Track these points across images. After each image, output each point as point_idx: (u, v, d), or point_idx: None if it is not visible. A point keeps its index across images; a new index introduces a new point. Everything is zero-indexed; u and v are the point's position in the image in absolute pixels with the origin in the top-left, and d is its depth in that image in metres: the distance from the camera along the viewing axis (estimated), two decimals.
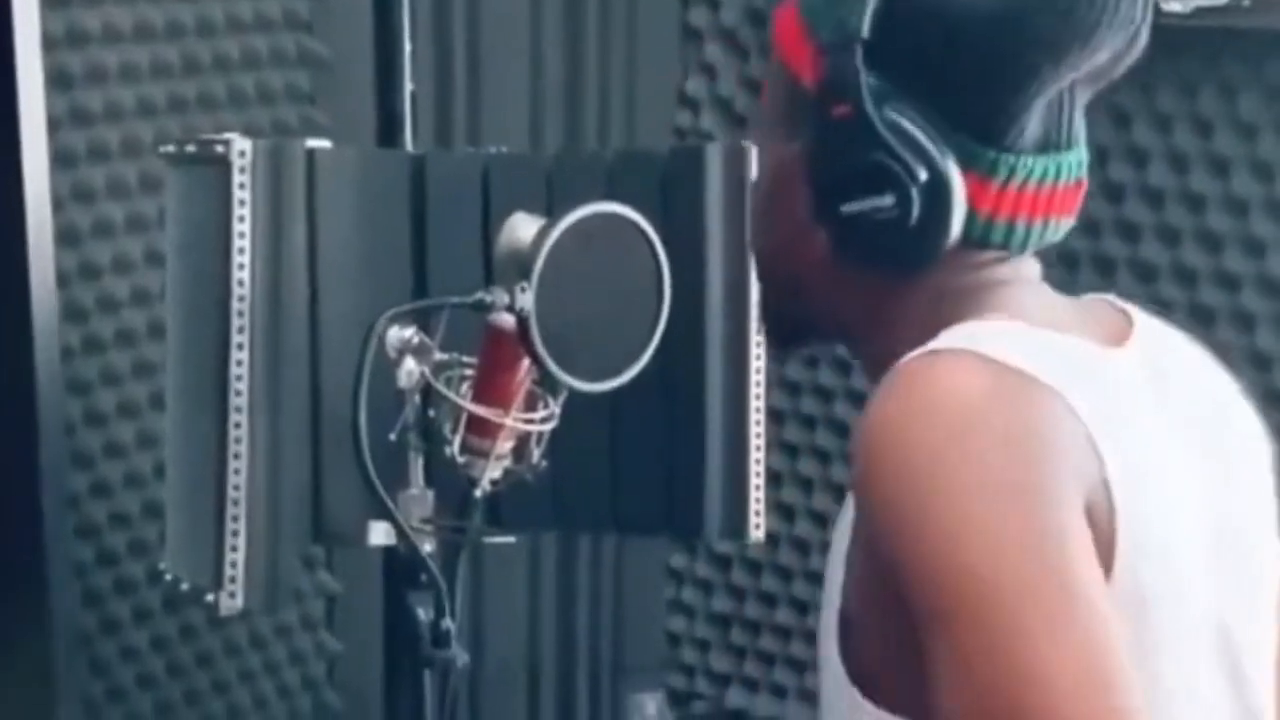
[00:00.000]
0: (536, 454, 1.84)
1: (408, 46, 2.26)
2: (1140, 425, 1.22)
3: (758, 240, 1.40)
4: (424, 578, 1.81)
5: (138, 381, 2.39)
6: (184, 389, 1.94)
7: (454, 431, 1.78)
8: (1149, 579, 1.17)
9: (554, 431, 1.83)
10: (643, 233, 1.75)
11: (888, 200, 1.22)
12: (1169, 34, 2.46)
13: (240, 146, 1.81)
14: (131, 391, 2.39)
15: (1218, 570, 1.26)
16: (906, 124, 1.22)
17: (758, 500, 2.12)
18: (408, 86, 2.26)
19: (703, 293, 2.08)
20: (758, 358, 2.10)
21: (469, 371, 1.82)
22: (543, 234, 1.68)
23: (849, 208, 1.24)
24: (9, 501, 2.21)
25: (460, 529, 1.84)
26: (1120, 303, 1.36)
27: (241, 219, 1.81)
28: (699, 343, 2.09)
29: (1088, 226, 2.48)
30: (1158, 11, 2.37)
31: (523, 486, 1.85)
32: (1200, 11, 2.35)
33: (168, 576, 1.95)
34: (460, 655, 1.82)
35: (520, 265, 1.68)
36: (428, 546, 1.83)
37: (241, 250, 1.82)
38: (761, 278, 1.41)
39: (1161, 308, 2.49)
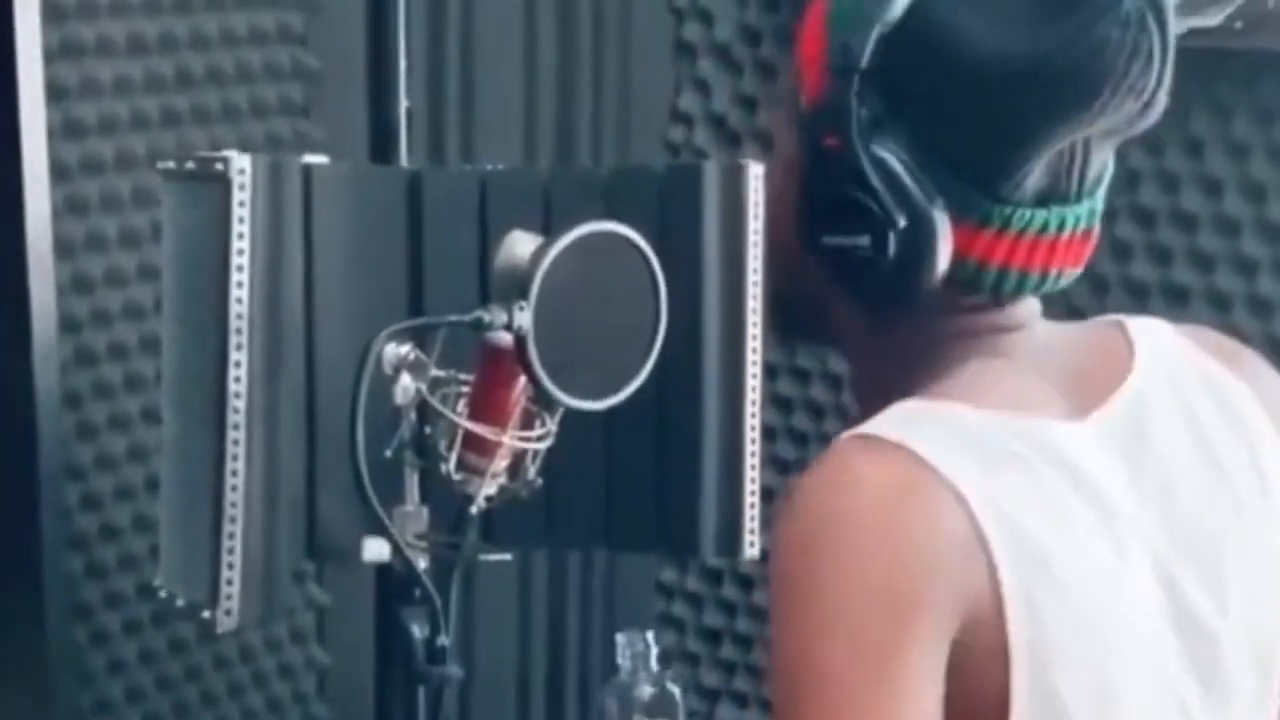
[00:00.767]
0: (532, 471, 1.84)
1: (403, 62, 2.26)
2: (1070, 512, 1.20)
3: (766, 236, 1.40)
4: (418, 594, 1.81)
5: (130, 394, 2.39)
6: (180, 404, 1.94)
7: (450, 449, 1.78)
8: (1062, 685, 1.16)
9: (549, 449, 1.83)
10: (640, 251, 1.75)
11: (864, 240, 1.21)
12: None
13: (240, 164, 1.81)
14: (124, 404, 2.38)
15: (1181, 652, 1.24)
16: (894, 163, 1.19)
17: (752, 518, 2.12)
18: (403, 102, 2.27)
19: (699, 311, 2.08)
20: (754, 375, 2.10)
21: (465, 389, 1.82)
22: (541, 252, 1.68)
23: (828, 240, 1.23)
24: (6, 514, 2.21)
25: (455, 546, 1.84)
26: (1131, 331, 1.33)
27: (241, 235, 1.81)
28: (695, 361, 2.09)
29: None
30: None
31: (517, 504, 1.86)
32: (1192, 33, 2.36)
33: (162, 593, 1.94)
34: (456, 672, 1.82)
35: (518, 283, 1.68)
36: (422, 563, 1.83)
37: (240, 267, 1.81)
38: (770, 262, 1.41)
39: None
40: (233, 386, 1.82)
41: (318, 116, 2.56)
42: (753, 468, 2.12)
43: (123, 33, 2.31)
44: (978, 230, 1.21)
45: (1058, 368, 1.28)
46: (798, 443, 2.96)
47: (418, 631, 1.81)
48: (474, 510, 1.80)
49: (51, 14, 2.19)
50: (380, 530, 1.76)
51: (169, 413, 1.98)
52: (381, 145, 2.51)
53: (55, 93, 2.23)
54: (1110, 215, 2.55)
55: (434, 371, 1.79)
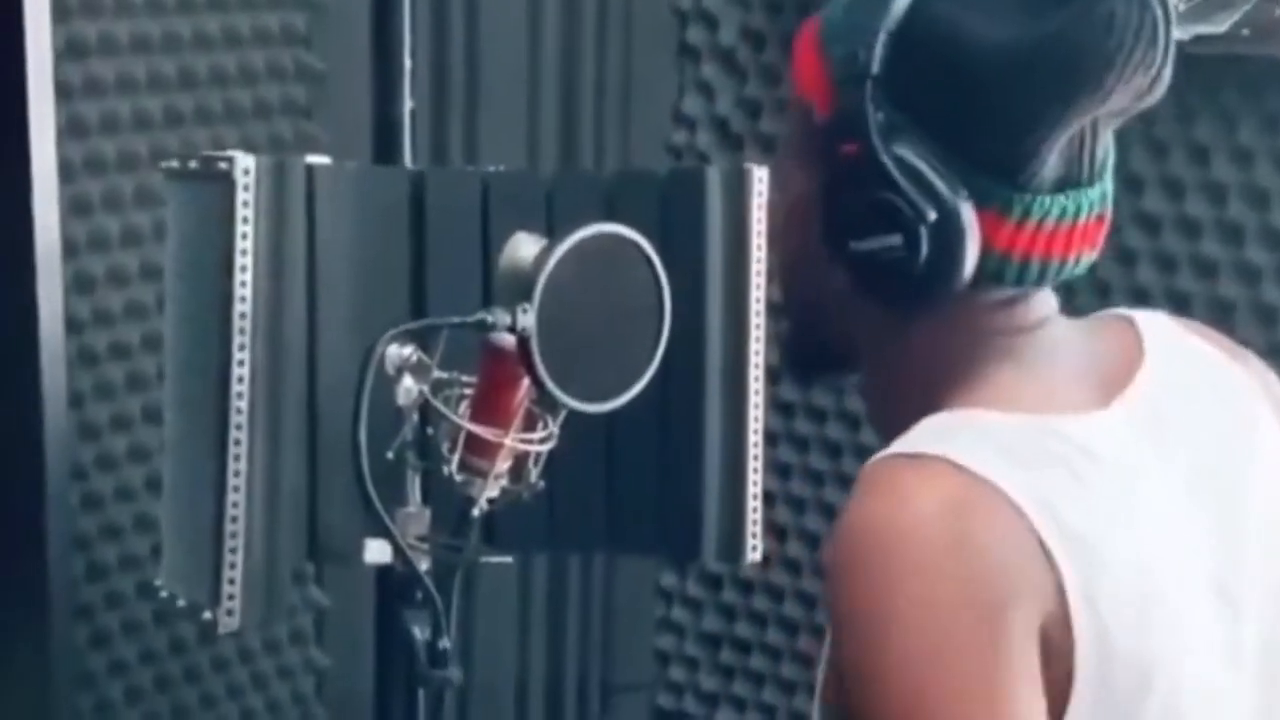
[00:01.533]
0: (534, 474, 1.83)
1: (408, 63, 2.26)
2: (1112, 500, 1.20)
3: (777, 263, 1.39)
4: (420, 596, 1.81)
5: (131, 394, 2.38)
6: (183, 404, 1.94)
7: (452, 450, 1.77)
8: (1121, 677, 1.16)
9: (551, 451, 1.83)
10: (644, 254, 1.75)
11: (895, 240, 1.21)
12: None
13: (244, 164, 1.81)
14: (125, 404, 2.38)
15: (1222, 629, 1.25)
16: (917, 162, 1.20)
17: (755, 523, 2.12)
18: (407, 103, 2.26)
19: (702, 314, 2.08)
20: (756, 379, 2.10)
21: (468, 390, 1.81)
22: (545, 254, 1.68)
23: (858, 246, 1.23)
24: (10, 514, 2.21)
25: (457, 548, 1.83)
26: (1138, 322, 1.34)
27: (244, 236, 1.81)
28: (698, 364, 2.09)
29: None
30: None
31: (519, 506, 1.85)
32: (1199, 40, 2.36)
33: (164, 593, 1.94)
34: (455, 674, 1.81)
35: (522, 285, 1.67)
36: (424, 565, 1.82)
37: (244, 267, 1.81)
38: (786, 296, 1.41)
39: None
40: (235, 387, 1.82)
41: (321, 117, 2.56)
42: (755, 472, 2.12)
43: (126, 32, 2.31)
44: (1000, 221, 1.22)
45: (1076, 360, 1.29)
46: (799, 447, 2.96)
47: (419, 634, 1.80)
48: (476, 512, 1.80)
49: (55, 13, 2.19)
50: (382, 532, 1.75)
51: (171, 413, 1.98)
52: (385, 146, 2.51)
53: (59, 92, 2.22)
54: (1115, 222, 2.58)
55: (436, 373, 1.78)
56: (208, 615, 1.83)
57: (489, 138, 2.78)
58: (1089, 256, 1.27)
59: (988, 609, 1.12)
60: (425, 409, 1.80)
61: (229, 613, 1.83)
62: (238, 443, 1.82)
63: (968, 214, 1.20)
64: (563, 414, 1.80)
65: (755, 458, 2.12)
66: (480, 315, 1.68)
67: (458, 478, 1.78)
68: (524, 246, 1.72)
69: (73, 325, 2.30)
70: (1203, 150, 2.53)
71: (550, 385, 1.69)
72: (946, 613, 1.12)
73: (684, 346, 1.91)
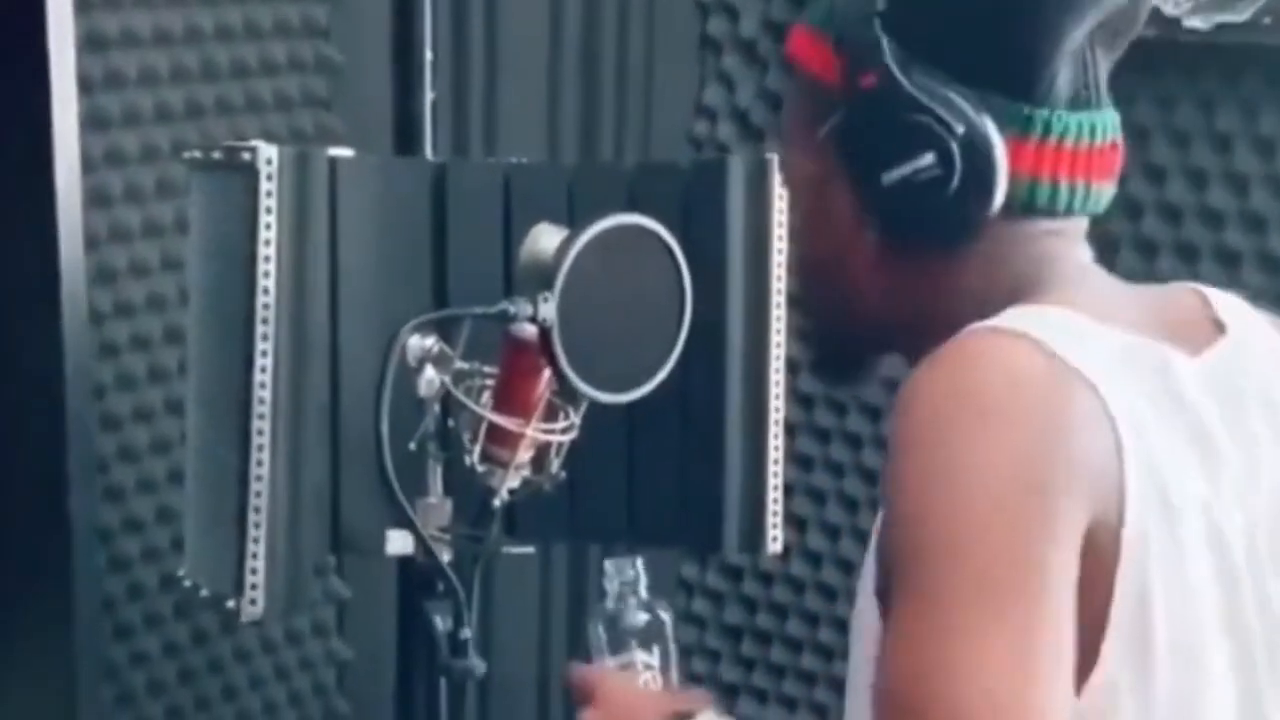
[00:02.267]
0: (556, 464, 1.84)
1: (429, 55, 2.26)
2: (1185, 436, 1.19)
3: (803, 258, 1.38)
4: (441, 586, 1.81)
5: (153, 386, 2.39)
6: (205, 395, 1.94)
7: (474, 441, 1.78)
8: (1156, 586, 1.14)
9: (572, 442, 1.83)
10: (665, 245, 1.75)
11: (928, 159, 1.20)
12: (1189, 51, 2.49)
13: (267, 154, 1.81)
14: (147, 396, 2.39)
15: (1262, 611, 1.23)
16: (935, 84, 1.21)
17: (775, 514, 2.12)
18: (428, 94, 2.27)
19: (723, 305, 2.08)
20: (777, 370, 2.10)
21: (489, 381, 1.82)
22: (566, 244, 1.68)
23: (890, 176, 1.22)
24: (35, 507, 2.21)
25: (478, 538, 1.84)
26: (1215, 301, 1.31)
27: (268, 226, 1.81)
28: (719, 355, 2.09)
29: (1106, 242, 2.47)
30: (1178, 28, 2.41)
31: (539, 497, 1.85)
32: (1221, 28, 2.35)
33: (187, 583, 1.94)
34: (479, 665, 1.82)
35: (543, 275, 1.68)
36: (446, 555, 1.83)
37: (267, 258, 1.81)
38: (811, 296, 1.39)
39: None
40: (258, 377, 1.82)
41: (341, 109, 2.56)
42: (775, 463, 2.12)
43: (148, 25, 2.31)
44: (1022, 140, 1.22)
45: (1150, 309, 1.28)
46: (819, 439, 2.95)
47: (440, 624, 1.81)
48: (497, 503, 1.80)
49: (77, 6, 2.19)
50: (404, 522, 1.76)
51: (194, 404, 1.99)
52: (405, 138, 2.51)
53: (80, 85, 2.22)
54: (1136, 212, 2.58)
55: (458, 364, 1.79)
56: (231, 604, 1.84)
57: (509, 129, 2.78)
58: (1109, 188, 1.27)
59: (1041, 485, 1.09)
60: (447, 400, 1.80)
61: (252, 602, 1.83)
62: (260, 433, 1.83)
63: (992, 130, 1.20)
64: (584, 404, 1.80)
65: (776, 449, 2.12)
66: (502, 306, 1.68)
67: (479, 468, 1.79)
68: (545, 237, 1.73)
69: (95, 317, 2.30)
70: (1225, 139, 2.52)
71: (571, 376, 1.69)
72: (1011, 472, 1.09)
73: (705, 337, 1.91)
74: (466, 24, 2.71)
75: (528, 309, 1.67)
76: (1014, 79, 1.21)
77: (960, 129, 1.19)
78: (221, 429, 1.88)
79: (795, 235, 1.41)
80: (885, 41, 1.21)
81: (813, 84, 1.29)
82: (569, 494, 1.92)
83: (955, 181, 1.20)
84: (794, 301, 2.07)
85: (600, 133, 2.90)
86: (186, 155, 1.96)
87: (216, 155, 1.88)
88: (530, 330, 1.70)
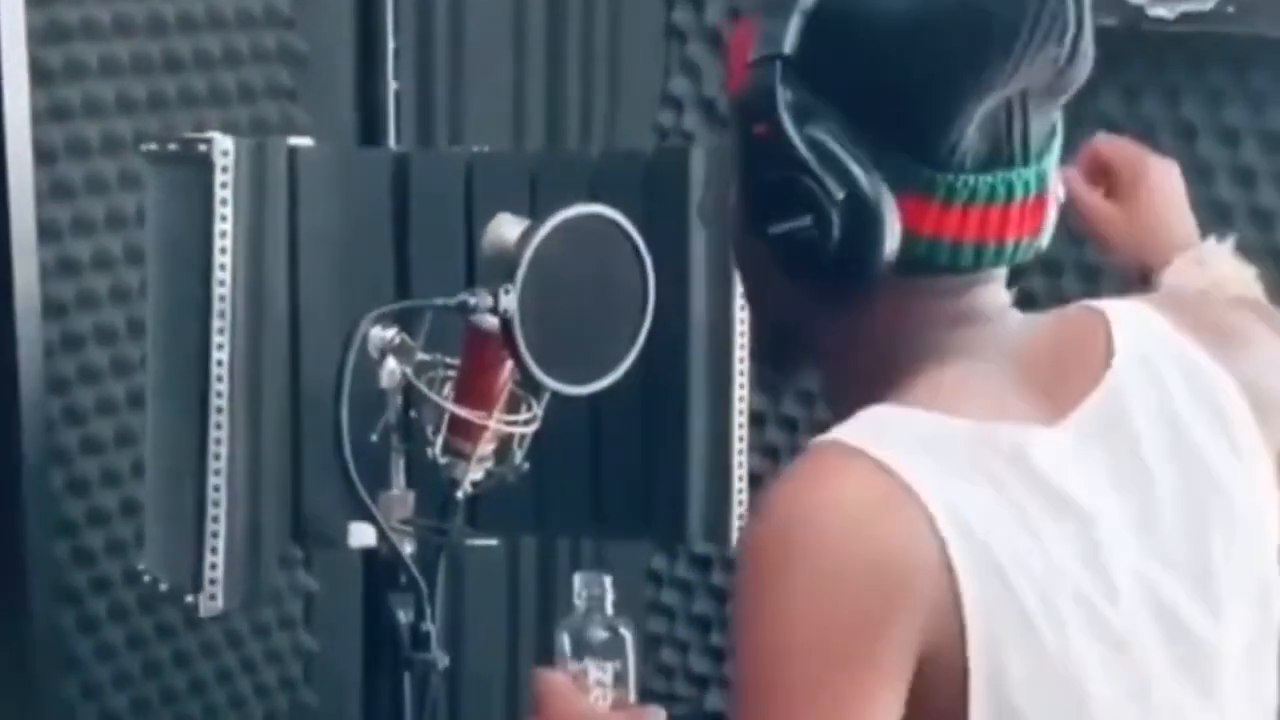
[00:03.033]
0: (519, 456, 1.83)
1: (391, 44, 2.25)
2: (1045, 536, 1.18)
3: (744, 264, 1.38)
4: (404, 579, 1.80)
5: (116, 379, 2.38)
6: (164, 388, 1.94)
7: (436, 433, 1.77)
8: (1024, 706, 1.14)
9: (536, 433, 1.82)
10: (627, 235, 1.74)
11: (806, 220, 1.19)
12: (1153, 40, 2.49)
13: (223, 145, 1.80)
14: (110, 389, 2.38)
15: (1173, 663, 1.22)
16: (828, 141, 1.17)
17: (740, 503, 2.11)
18: (391, 84, 2.26)
19: (686, 296, 2.08)
20: (741, 360, 2.10)
21: (451, 372, 1.81)
22: (527, 235, 1.67)
23: (773, 228, 1.21)
24: None
25: (441, 530, 1.83)
26: (1110, 317, 1.29)
27: (223, 218, 1.80)
28: (682, 346, 2.09)
29: (1071, 235, 2.47)
30: (1142, 17, 2.41)
31: (503, 489, 1.85)
32: (1185, 17, 2.35)
33: (146, 577, 1.94)
34: (441, 658, 1.81)
35: (504, 266, 1.67)
36: (408, 548, 1.82)
37: (223, 250, 1.81)
38: (744, 290, 1.40)
39: None
40: (215, 370, 1.81)
41: (305, 100, 2.55)
42: (740, 454, 2.11)
43: (109, 15, 2.30)
44: (924, 202, 1.19)
45: (1033, 364, 1.25)
46: (787, 429, 2.95)
47: (403, 617, 1.80)
48: (460, 495, 1.79)
49: None
50: (365, 515, 1.75)
51: (153, 396, 1.98)
52: (370, 129, 2.50)
53: (40, 75, 2.22)
54: None
55: (420, 355, 1.77)
56: (190, 599, 1.83)
57: (475, 119, 2.77)
58: (1033, 240, 1.24)
59: (873, 622, 1.11)
60: (409, 391, 1.79)
61: (211, 596, 1.83)
62: (219, 426, 1.82)
63: (883, 193, 1.18)
64: (546, 396, 1.80)
65: (740, 439, 2.11)
66: (462, 297, 1.67)
67: (441, 460, 1.78)
68: (506, 227, 1.72)
69: (57, 309, 2.29)
70: (1190, 129, 2.52)
71: (533, 367, 1.68)
72: (830, 609, 1.11)
73: (668, 327, 1.91)
74: (431, 13, 2.70)
75: (488, 300, 1.65)
76: (916, 140, 1.18)
77: (840, 194, 1.17)
78: (179, 423, 1.87)
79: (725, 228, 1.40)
80: (781, 94, 1.19)
81: (730, 92, 1.28)
82: (533, 486, 1.91)
83: (833, 243, 1.19)
84: None
85: (566, 123, 2.89)
86: (143, 147, 1.96)
87: (173, 147, 1.87)
88: (491, 322, 1.69)
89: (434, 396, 1.77)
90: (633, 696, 1.57)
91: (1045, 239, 1.25)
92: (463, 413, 1.76)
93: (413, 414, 1.82)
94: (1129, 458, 1.24)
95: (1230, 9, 2.38)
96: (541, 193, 2.05)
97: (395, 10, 2.30)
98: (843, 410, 1.21)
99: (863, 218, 1.18)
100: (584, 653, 1.55)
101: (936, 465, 1.15)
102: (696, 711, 3.11)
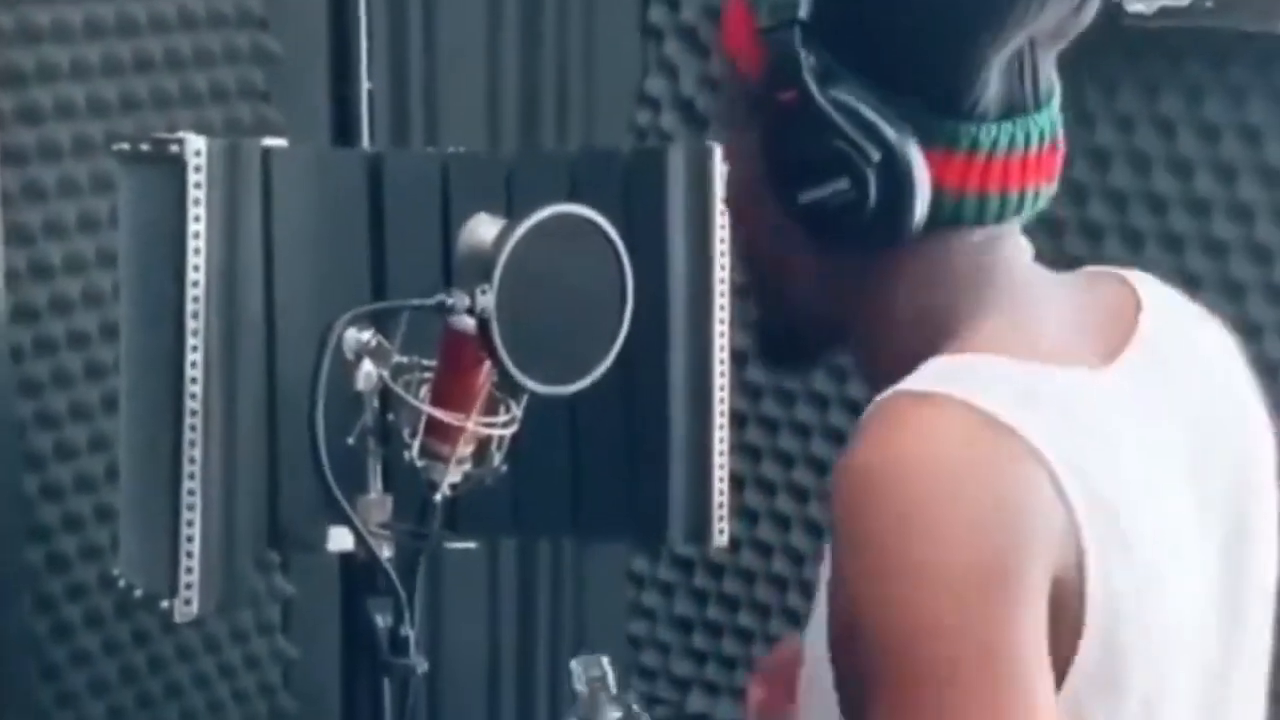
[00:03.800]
0: (497, 458, 1.82)
1: (364, 44, 2.24)
2: (1128, 464, 1.18)
3: (740, 248, 1.37)
4: (382, 584, 1.79)
5: (90, 383, 2.36)
6: (137, 392, 1.92)
7: (413, 435, 1.76)
8: (1128, 644, 1.14)
9: (514, 435, 1.81)
10: (605, 234, 1.73)
11: (843, 184, 1.19)
12: (1132, 35, 2.48)
13: (195, 145, 1.79)
14: (84, 393, 2.36)
15: (1220, 610, 1.23)
16: (855, 102, 1.17)
17: (721, 505, 2.10)
18: (365, 84, 2.25)
19: (665, 295, 2.06)
20: (722, 361, 2.09)
21: (428, 374, 1.79)
22: (504, 235, 1.66)
23: (807, 196, 1.20)
24: None
25: (420, 534, 1.81)
26: (1132, 281, 1.31)
27: (197, 219, 1.79)
28: (661, 346, 2.07)
29: (1051, 227, 2.47)
30: (1121, 12, 2.40)
31: (482, 491, 1.83)
32: (1163, 12, 2.34)
33: (121, 582, 1.92)
34: (419, 662, 1.80)
35: (481, 267, 1.66)
36: (386, 552, 1.80)
37: (196, 251, 1.79)
38: (753, 287, 1.38)
39: None
40: (189, 373, 1.80)
41: (279, 100, 2.54)
42: (721, 454, 2.10)
43: (80, 16, 2.28)
44: (949, 155, 1.19)
45: (1072, 311, 1.26)
46: (768, 429, 2.94)
47: (382, 622, 1.78)
48: (438, 498, 1.78)
49: None
50: (342, 519, 1.73)
51: (127, 400, 1.96)
52: (344, 130, 2.49)
53: (11, 78, 2.20)
54: (1081, 196, 2.57)
55: (396, 357, 1.76)
56: (165, 604, 1.81)
57: (450, 119, 2.76)
58: (1047, 190, 1.24)
59: (1001, 559, 1.08)
60: (385, 394, 1.78)
61: (186, 601, 1.81)
62: (193, 429, 1.80)
63: (913, 150, 1.18)
64: (525, 397, 1.78)
65: (721, 440, 2.10)
66: (439, 297, 1.66)
67: (419, 463, 1.76)
68: (483, 227, 1.70)
69: (29, 313, 2.27)
70: (1169, 124, 2.51)
71: (511, 368, 1.67)
72: (956, 563, 1.08)
73: (647, 327, 1.90)
74: (405, 12, 2.68)
75: (465, 301, 1.64)
76: (939, 94, 1.18)
77: (876, 155, 1.17)
78: (153, 426, 1.85)
79: (734, 219, 1.39)
80: (804, 56, 1.19)
81: (738, 73, 1.27)
82: (512, 488, 1.90)
83: (871, 204, 1.18)
84: (738, 291, 2.06)
85: (542, 123, 2.88)
86: (115, 148, 1.94)
87: (145, 147, 1.85)
88: (469, 322, 1.67)
89: (411, 399, 1.75)
90: None
91: (1055, 187, 1.25)
92: (440, 415, 1.75)
93: (390, 416, 1.81)
94: (1179, 395, 1.26)
95: (1208, 4, 2.37)
96: (518, 192, 2.04)
97: (368, 10, 2.28)
98: (889, 382, 1.20)
99: (898, 176, 1.17)
100: None
101: (1023, 403, 1.13)
102: (679, 714, 3.10)
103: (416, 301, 1.69)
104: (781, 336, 1.37)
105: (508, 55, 2.83)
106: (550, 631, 3.04)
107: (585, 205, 1.73)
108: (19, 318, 2.26)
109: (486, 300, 1.63)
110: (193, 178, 1.78)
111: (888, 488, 1.10)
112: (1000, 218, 1.22)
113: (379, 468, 1.83)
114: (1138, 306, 1.28)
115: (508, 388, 1.76)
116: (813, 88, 1.18)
